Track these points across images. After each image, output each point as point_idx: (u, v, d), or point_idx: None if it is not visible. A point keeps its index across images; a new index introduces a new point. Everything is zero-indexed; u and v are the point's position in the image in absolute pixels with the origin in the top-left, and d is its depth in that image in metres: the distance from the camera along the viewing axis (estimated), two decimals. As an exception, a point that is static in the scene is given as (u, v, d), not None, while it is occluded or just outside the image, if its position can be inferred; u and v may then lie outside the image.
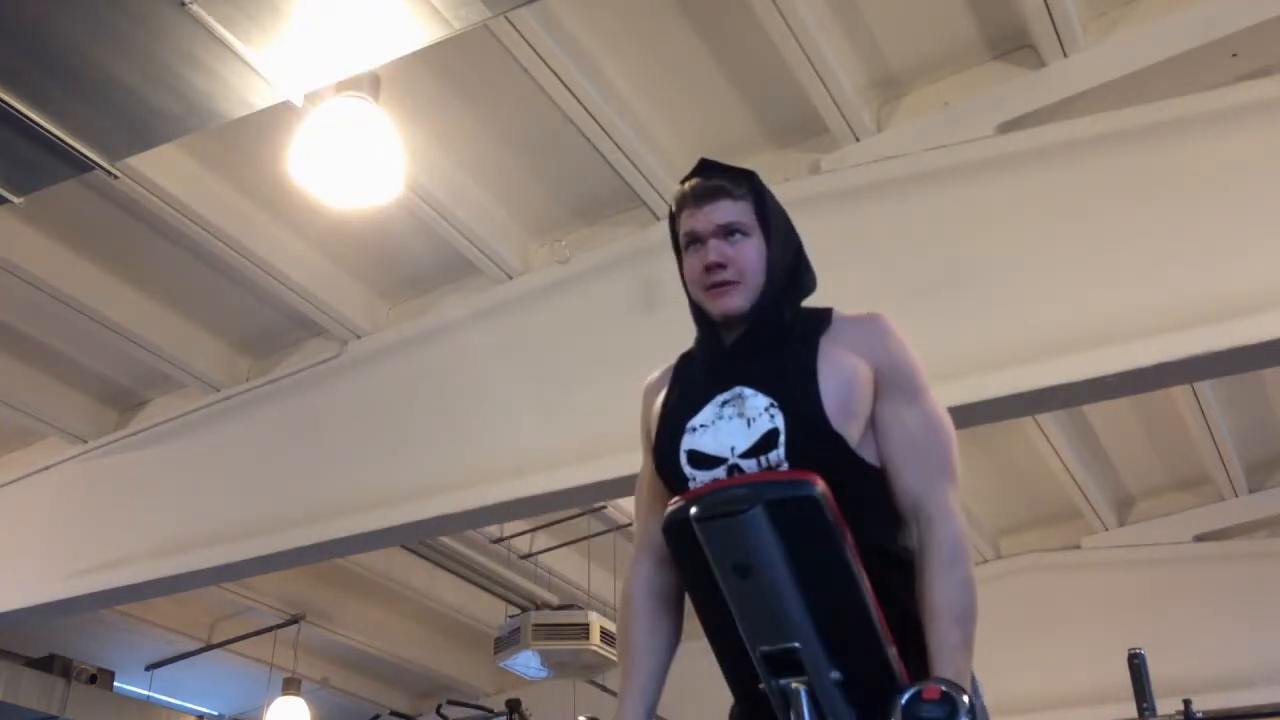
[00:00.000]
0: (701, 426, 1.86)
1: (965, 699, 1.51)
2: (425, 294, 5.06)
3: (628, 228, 4.55)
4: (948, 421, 1.91)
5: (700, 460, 1.84)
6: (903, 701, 1.51)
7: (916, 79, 4.17)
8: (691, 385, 1.95)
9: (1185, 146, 3.75)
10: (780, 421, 1.79)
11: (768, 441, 1.79)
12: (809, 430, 1.79)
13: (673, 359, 2.06)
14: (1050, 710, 6.03)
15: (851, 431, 1.81)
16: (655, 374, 2.09)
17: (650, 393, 2.06)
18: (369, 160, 3.74)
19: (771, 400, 1.82)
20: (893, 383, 1.87)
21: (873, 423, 1.85)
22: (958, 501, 1.83)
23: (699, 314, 1.99)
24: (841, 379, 1.84)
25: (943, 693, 1.51)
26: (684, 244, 1.98)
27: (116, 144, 3.34)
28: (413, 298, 5.11)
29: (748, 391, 1.84)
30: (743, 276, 1.91)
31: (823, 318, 1.95)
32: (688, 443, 1.87)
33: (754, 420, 1.81)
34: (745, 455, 1.80)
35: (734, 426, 1.82)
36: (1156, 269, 3.65)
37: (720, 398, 1.87)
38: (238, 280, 4.87)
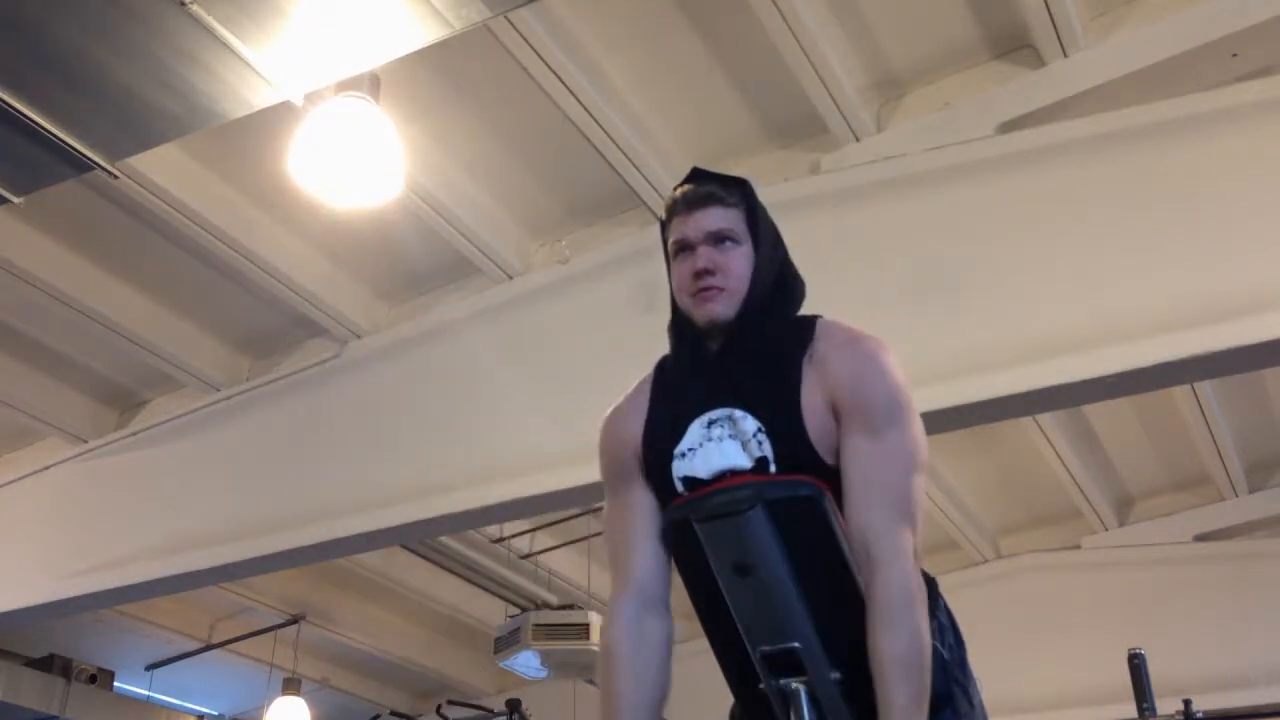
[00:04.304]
0: (690, 450, 1.83)
1: None
2: (425, 294, 5.06)
3: (628, 228, 4.54)
4: (916, 457, 1.78)
5: (697, 487, 1.81)
6: None
7: (916, 79, 4.16)
8: (672, 407, 1.90)
9: (1185, 146, 3.75)
10: (769, 450, 1.76)
11: (759, 469, 1.77)
12: (796, 461, 1.75)
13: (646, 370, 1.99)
14: (1050, 710, 6.02)
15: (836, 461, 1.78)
16: (618, 402, 2.01)
17: (619, 423, 1.97)
18: (369, 160, 3.74)
19: (760, 425, 1.78)
20: (854, 414, 1.76)
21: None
22: (911, 544, 1.69)
23: (681, 326, 1.95)
24: (822, 409, 1.78)
25: None
26: (673, 251, 1.94)
27: (116, 144, 3.34)
28: (413, 298, 5.11)
29: (738, 414, 1.80)
30: (730, 284, 1.87)
31: (806, 333, 1.87)
32: (679, 469, 1.83)
33: (746, 443, 1.78)
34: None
35: (727, 448, 1.79)
36: (1156, 269, 3.65)
37: (706, 417, 1.82)
38: (238, 280, 4.87)
